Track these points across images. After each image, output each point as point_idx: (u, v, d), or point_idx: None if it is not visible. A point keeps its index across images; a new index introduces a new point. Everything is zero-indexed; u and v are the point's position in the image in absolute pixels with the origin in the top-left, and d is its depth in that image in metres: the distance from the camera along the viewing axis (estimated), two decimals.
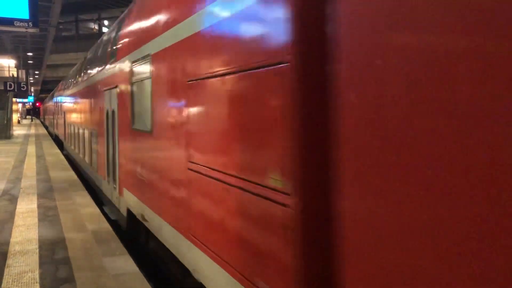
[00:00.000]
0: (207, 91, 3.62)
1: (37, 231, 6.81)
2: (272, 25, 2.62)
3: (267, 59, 2.64)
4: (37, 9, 10.24)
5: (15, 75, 33.01)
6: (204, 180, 3.68)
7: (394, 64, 1.79)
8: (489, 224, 1.39)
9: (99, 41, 11.81)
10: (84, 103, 13.09)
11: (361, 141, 1.98)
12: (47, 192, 10.12)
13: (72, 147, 16.82)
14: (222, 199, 3.37)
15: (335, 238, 2.23)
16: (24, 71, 39.85)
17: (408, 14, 1.72)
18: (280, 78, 2.49)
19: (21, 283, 4.79)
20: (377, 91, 1.88)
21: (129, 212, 6.86)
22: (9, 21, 9.87)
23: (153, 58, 5.26)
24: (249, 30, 2.95)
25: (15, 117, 44.40)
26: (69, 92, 18.17)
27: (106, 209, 9.15)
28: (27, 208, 8.40)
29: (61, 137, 23.02)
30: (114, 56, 8.10)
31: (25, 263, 5.39)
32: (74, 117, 16.17)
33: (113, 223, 7.94)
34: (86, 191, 10.20)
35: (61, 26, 48.38)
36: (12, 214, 7.91)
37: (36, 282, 4.81)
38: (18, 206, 8.58)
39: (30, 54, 34.96)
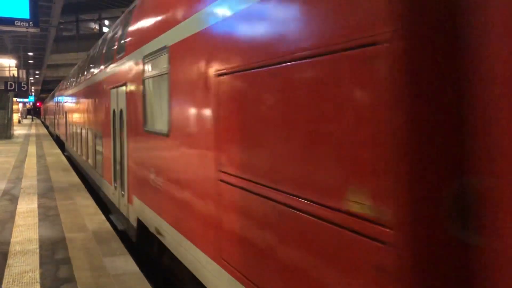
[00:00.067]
0: (248, 85, 2.98)
1: (37, 231, 6.81)
2: None
3: (351, 39, 1.99)
4: (37, 9, 10.24)
5: (16, 75, 33.05)
6: (242, 195, 3.06)
7: None
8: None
9: (104, 36, 11.12)
10: (87, 102, 12.43)
11: None
12: (47, 192, 10.12)
13: (74, 148, 16.20)
14: (269, 222, 2.73)
15: None
16: (24, 71, 39.88)
17: None
18: (374, 64, 1.86)
19: (22, 283, 4.79)
20: None
21: (139, 223, 6.20)
22: (9, 21, 9.87)
23: (172, 50, 4.64)
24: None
25: (16, 117, 44.43)
26: (71, 91, 17.52)
27: (112, 217, 8.35)
28: (27, 208, 8.40)
29: (63, 137, 22.66)
30: (122, 51, 7.43)
31: (25, 263, 5.39)
32: (76, 117, 15.51)
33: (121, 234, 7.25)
34: (87, 191, 10.20)
35: (61, 26, 48.41)
36: (12, 214, 7.91)
37: (37, 282, 4.81)
38: (18, 206, 8.58)
39: (30, 54, 35.00)
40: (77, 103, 15.40)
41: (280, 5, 2.63)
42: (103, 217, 7.73)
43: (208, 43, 3.68)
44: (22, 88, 29.88)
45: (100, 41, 11.54)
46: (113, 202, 8.34)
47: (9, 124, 29.48)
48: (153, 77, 5.45)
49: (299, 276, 2.42)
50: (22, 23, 9.96)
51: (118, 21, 9.00)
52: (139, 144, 6.21)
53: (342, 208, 2.03)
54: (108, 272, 5.08)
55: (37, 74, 53.42)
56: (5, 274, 5.03)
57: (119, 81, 7.48)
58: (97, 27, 57.05)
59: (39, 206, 8.57)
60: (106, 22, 53.79)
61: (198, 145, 3.95)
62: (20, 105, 57.66)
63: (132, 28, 6.91)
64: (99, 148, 10.09)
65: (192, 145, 4.11)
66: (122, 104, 7.22)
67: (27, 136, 30.34)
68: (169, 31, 4.73)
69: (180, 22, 4.41)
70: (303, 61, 2.37)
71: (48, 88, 60.22)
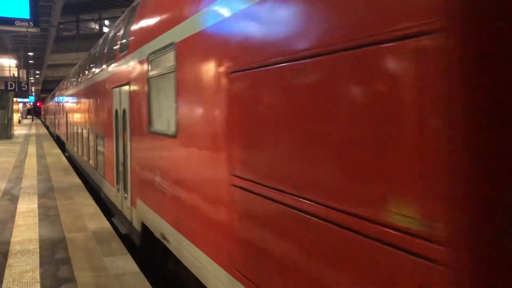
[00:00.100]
0: (267, 83, 2.74)
1: (37, 231, 6.81)
2: None
3: (397, 29, 1.72)
4: (38, 9, 10.24)
5: (16, 74, 33.08)
6: (257, 201, 2.82)
7: None
8: None
9: (106, 34, 10.80)
10: (89, 102, 12.15)
11: None
12: (47, 192, 10.12)
13: (75, 149, 15.93)
14: (289, 232, 2.48)
15: None
16: (25, 71, 39.93)
17: None
18: (426, 56, 1.59)
19: (22, 282, 4.79)
20: None
21: (143, 227, 5.96)
22: (10, 21, 9.87)
23: (179, 47, 4.39)
24: None
25: (16, 117, 44.43)
26: (72, 91, 17.22)
27: (115, 220, 8.05)
28: (27, 208, 8.40)
29: (63, 138, 22.31)
30: (125, 49, 7.15)
31: (25, 263, 5.39)
32: (77, 117, 15.19)
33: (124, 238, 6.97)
34: (87, 191, 10.19)
35: (62, 26, 48.44)
36: (12, 214, 7.91)
37: (37, 282, 4.81)
38: (18, 206, 8.58)
39: (31, 54, 35.04)
40: (78, 103, 15.12)
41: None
42: (103, 217, 7.73)
43: (220, 39, 3.42)
44: (22, 88, 29.93)
45: (102, 40, 11.29)
46: (116, 205, 8.07)
47: (9, 124, 29.47)
48: (158, 75, 5.20)
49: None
50: (22, 23, 9.95)
51: (121, 18, 8.71)
52: (143, 145, 5.94)
53: (382, 220, 1.78)
54: (108, 272, 5.07)
55: (37, 74, 53.46)
56: (5, 274, 5.03)
57: (122, 80, 7.24)
58: (97, 27, 57.08)
59: (39, 206, 8.57)
60: (106, 22, 53.84)
61: (208, 147, 3.70)
62: (20, 105, 57.68)
63: (135, 25, 6.62)
64: (100, 148, 9.83)
65: (202, 147, 3.86)
66: (125, 104, 6.98)
67: (27, 136, 30.34)
68: (176, 27, 4.49)
69: (188, 17, 4.17)
70: (337, 54, 2.06)
71: (48, 88, 60.25)
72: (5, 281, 4.83)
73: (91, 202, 8.99)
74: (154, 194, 5.33)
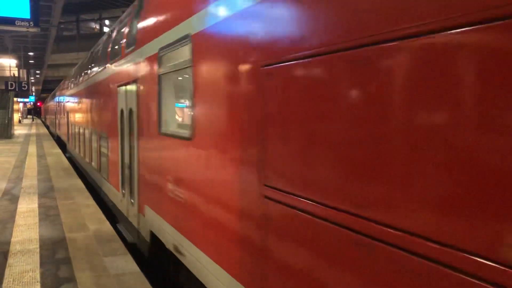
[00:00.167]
0: (314, 76, 2.31)
1: (38, 231, 6.81)
2: None
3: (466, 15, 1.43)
4: (38, 9, 10.24)
5: (16, 74, 33.08)
6: (300, 220, 2.39)
7: None
8: None
9: (110, 30, 10.22)
10: (91, 101, 11.72)
11: None
12: (48, 191, 10.12)
13: (77, 149, 15.44)
14: (345, 260, 2.04)
15: None
16: (25, 71, 39.93)
17: None
18: None
19: (22, 282, 4.79)
20: None
21: (153, 236, 5.55)
22: (10, 21, 9.87)
23: (196, 39, 3.94)
24: None
25: (16, 116, 44.45)
26: (73, 90, 16.73)
27: (120, 227, 7.63)
28: (28, 208, 8.40)
29: (64, 138, 22.02)
30: (132, 45, 6.69)
31: (26, 263, 5.39)
32: (79, 117, 14.72)
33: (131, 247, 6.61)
34: (87, 191, 10.19)
35: (62, 26, 48.49)
36: (13, 214, 7.91)
37: (37, 282, 4.80)
38: (19, 206, 8.58)
39: (31, 53, 35.03)
40: (80, 102, 14.63)
41: None
42: (103, 217, 7.72)
43: (250, 27, 2.96)
44: (23, 88, 29.89)
45: (105, 36, 10.80)
46: (121, 210, 7.66)
47: (9, 124, 29.49)
48: (171, 72, 4.81)
49: None
50: (22, 23, 9.95)
51: (126, 12, 8.14)
52: (153, 148, 5.49)
53: (487, 254, 1.37)
54: (108, 272, 5.07)
55: (37, 74, 53.46)
56: (5, 273, 5.03)
57: (128, 78, 6.82)
58: (97, 27, 57.10)
59: (40, 206, 8.57)
60: (107, 22, 53.85)
61: (232, 152, 3.26)
62: (21, 104, 57.72)
63: (143, 18, 6.13)
64: (104, 150, 9.42)
65: (224, 151, 3.42)
66: (132, 103, 6.57)
67: (27, 136, 30.35)
68: (192, 18, 4.04)
69: (207, 6, 3.74)
70: (408, 40, 1.66)
71: (48, 88, 60.29)
72: (5, 281, 4.83)
73: (92, 202, 8.99)
74: (166, 202, 4.89)
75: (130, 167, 6.80)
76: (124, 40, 7.46)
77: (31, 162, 15.58)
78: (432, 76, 1.58)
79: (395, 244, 1.72)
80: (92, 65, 11.81)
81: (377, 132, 1.85)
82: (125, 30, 7.51)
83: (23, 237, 6.47)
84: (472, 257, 1.43)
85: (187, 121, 4.26)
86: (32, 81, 52.64)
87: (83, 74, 13.94)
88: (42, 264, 5.35)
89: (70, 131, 18.28)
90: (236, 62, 3.21)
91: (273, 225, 2.69)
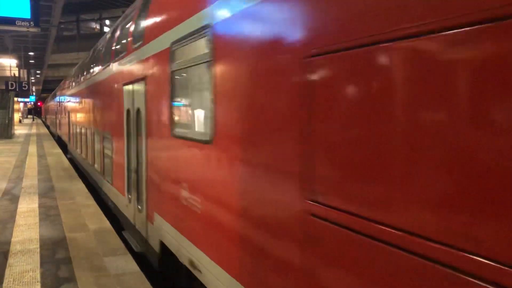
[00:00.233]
0: (377, 67, 1.91)
1: (38, 231, 6.82)
2: None
3: None
4: (38, 9, 10.25)
5: (17, 74, 33.11)
6: (359, 242, 2.01)
7: None
8: None
9: (114, 26, 9.60)
10: (94, 101, 11.26)
11: None
12: (48, 191, 10.12)
13: (79, 151, 14.91)
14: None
15: None
16: (25, 71, 39.96)
17: None
18: None
19: (22, 282, 4.80)
20: None
21: (163, 247, 5.16)
22: (10, 21, 9.88)
23: (218, 29, 3.51)
24: None
25: (17, 116, 44.48)
26: (75, 89, 16.16)
27: (126, 235, 7.16)
28: (28, 208, 8.41)
29: (65, 138, 21.64)
30: (139, 40, 6.22)
31: (26, 263, 5.39)
32: (81, 117, 14.20)
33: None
34: (88, 191, 10.19)
35: (62, 26, 48.51)
36: (13, 214, 7.92)
37: (37, 282, 4.81)
38: (19, 206, 8.59)
39: (31, 53, 35.04)
40: (82, 102, 14.06)
41: None
42: (103, 217, 7.73)
43: (290, 11, 2.54)
44: (23, 88, 29.92)
45: (108, 32, 10.31)
46: (126, 216, 7.23)
47: (10, 124, 29.51)
48: (185, 67, 4.38)
49: None
50: (23, 23, 9.96)
51: (132, 5, 7.68)
52: (164, 152, 5.06)
53: None
54: (108, 272, 5.08)
55: (38, 74, 53.48)
56: (6, 273, 5.04)
57: (135, 75, 6.37)
58: (98, 27, 57.12)
59: (40, 206, 8.58)
60: (107, 22, 53.88)
61: (263, 160, 2.82)
62: (21, 104, 57.76)
63: (153, 10, 5.71)
64: (107, 152, 8.96)
65: (253, 158, 2.97)
66: (140, 103, 6.13)
67: (28, 136, 30.36)
68: (213, 5, 3.62)
69: None
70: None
71: (49, 88, 60.32)
72: (5, 280, 4.83)
73: (92, 202, 9.00)
74: (180, 212, 4.49)
75: (137, 171, 6.39)
76: (130, 36, 7.02)
77: (32, 162, 15.59)
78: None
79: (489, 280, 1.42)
80: (95, 63, 11.38)
81: (464, 133, 1.50)
82: (131, 25, 7.06)
83: (23, 237, 6.47)
84: None
85: (205, 122, 3.83)
86: (33, 81, 52.67)
87: (85, 73, 13.50)
88: (42, 264, 5.36)
89: (71, 132, 18.00)
90: (270, 53, 2.76)
91: (321, 249, 2.25)
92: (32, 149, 20.79)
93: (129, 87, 6.78)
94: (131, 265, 5.32)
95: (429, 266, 1.64)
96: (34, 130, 38.06)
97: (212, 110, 3.60)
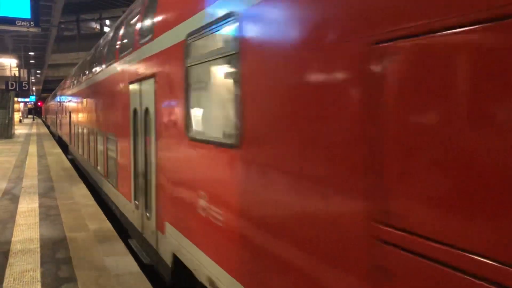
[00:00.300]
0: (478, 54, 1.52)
1: (38, 230, 6.82)
2: None
3: None
4: (38, 9, 10.25)
5: (17, 74, 33.13)
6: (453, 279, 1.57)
7: None
8: None
9: (119, 21, 9.06)
10: (97, 100, 10.83)
11: None
12: (48, 191, 10.13)
13: (80, 152, 14.45)
14: None
15: None
16: (25, 71, 39.98)
17: None
18: None
19: (23, 282, 4.80)
20: None
21: (176, 260, 4.71)
22: (11, 21, 9.88)
23: (247, 16, 3.06)
24: None
25: (17, 116, 44.49)
26: (77, 88, 15.67)
27: (133, 243, 6.72)
28: (28, 208, 8.41)
29: (66, 139, 21.31)
30: (148, 34, 5.79)
31: (26, 262, 5.40)
32: (83, 117, 13.75)
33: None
34: (88, 191, 10.20)
35: (62, 26, 48.53)
36: (13, 214, 7.92)
37: (38, 281, 4.81)
38: (19, 206, 8.59)
39: (31, 53, 35.07)
40: (84, 101, 13.55)
41: None
42: (104, 217, 7.73)
43: None
44: (23, 88, 29.96)
45: (113, 29, 9.82)
46: (133, 223, 6.79)
47: (10, 124, 29.52)
48: (204, 62, 3.92)
49: None
50: (23, 23, 9.96)
51: None
52: (177, 156, 4.62)
53: None
54: (109, 272, 5.08)
55: (38, 74, 53.52)
56: (6, 273, 5.04)
57: (143, 73, 5.97)
58: (98, 26, 57.15)
59: (40, 206, 8.58)
60: (107, 22, 53.91)
61: (310, 167, 2.35)
62: (21, 104, 57.77)
63: (163, 0, 5.34)
64: (112, 154, 8.49)
65: (296, 166, 2.49)
66: (148, 102, 5.71)
67: (28, 136, 30.37)
68: None
69: None
70: None
71: (49, 88, 60.34)
72: (6, 280, 4.84)
73: (92, 202, 9.00)
74: (197, 223, 4.04)
75: (146, 175, 5.94)
76: (137, 31, 6.58)
77: (32, 162, 15.59)
78: None
79: None
80: (98, 61, 10.96)
81: None
82: (138, 19, 6.62)
83: (23, 237, 6.48)
84: None
85: (230, 123, 3.35)
86: (33, 80, 52.69)
87: (87, 71, 13.04)
88: (42, 263, 5.36)
89: (72, 132, 17.55)
90: (320, 41, 2.30)
91: (394, 284, 1.82)
92: (32, 149, 20.79)
93: (136, 85, 6.41)
94: (131, 265, 5.32)
95: None
96: (34, 130, 38.07)
97: (239, 109, 3.12)
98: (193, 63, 4.14)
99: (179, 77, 4.43)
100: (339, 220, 2.13)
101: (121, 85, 7.48)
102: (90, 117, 11.99)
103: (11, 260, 5.49)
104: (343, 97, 2.12)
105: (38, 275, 5.00)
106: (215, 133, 3.87)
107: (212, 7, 3.66)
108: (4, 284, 4.72)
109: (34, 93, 61.80)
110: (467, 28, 1.51)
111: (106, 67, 9.32)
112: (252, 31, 3.03)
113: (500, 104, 1.44)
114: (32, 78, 51.20)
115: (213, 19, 3.59)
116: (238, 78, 3.17)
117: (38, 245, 6.08)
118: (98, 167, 10.49)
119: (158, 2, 5.52)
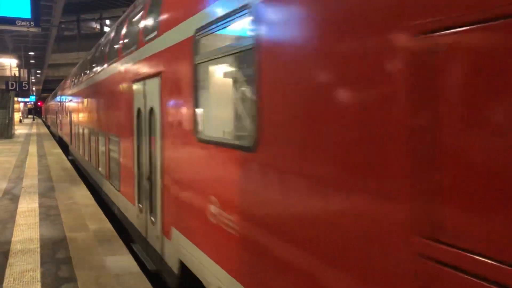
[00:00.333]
0: None
1: (38, 230, 6.82)
2: None
3: None
4: (39, 9, 10.25)
5: (17, 74, 33.14)
6: None
7: None
8: None
9: (121, 19, 8.88)
10: (98, 100, 10.62)
11: None
12: (48, 191, 10.13)
13: (81, 152, 14.21)
14: None
15: None
16: (26, 70, 40.01)
17: None
18: None
19: (23, 282, 4.80)
20: None
21: (183, 267, 4.49)
22: (11, 20, 9.88)
23: (262, 8, 2.83)
24: None
25: (17, 116, 44.50)
26: (78, 88, 15.37)
27: (136, 248, 6.52)
28: (28, 207, 8.41)
29: (66, 139, 21.16)
30: (153, 30, 5.59)
31: (26, 262, 5.40)
32: (84, 117, 13.50)
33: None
34: (88, 191, 10.20)
35: (63, 26, 48.55)
36: (13, 214, 7.92)
37: (38, 281, 4.81)
38: (19, 205, 8.59)
39: (31, 53, 35.08)
40: (85, 101, 13.27)
41: None
42: (104, 217, 7.73)
43: None
44: (23, 88, 29.98)
45: (115, 26, 9.56)
46: (136, 227, 6.58)
47: (10, 124, 29.53)
48: (215, 58, 3.68)
49: None
50: (23, 23, 9.96)
51: None
52: (185, 159, 4.40)
53: None
54: (109, 272, 5.08)
55: (38, 74, 53.53)
56: (6, 273, 5.04)
57: (148, 71, 5.77)
58: (98, 26, 57.17)
59: (40, 206, 8.58)
60: (107, 22, 53.93)
61: (342, 175, 2.10)
62: (21, 104, 57.79)
63: None
64: (114, 155, 8.28)
65: (323, 173, 2.24)
66: (154, 101, 5.50)
67: (28, 136, 30.37)
68: None
69: None
70: None
71: (49, 88, 60.37)
72: (6, 280, 4.84)
73: (92, 202, 9.00)
74: (207, 230, 3.81)
75: (150, 178, 5.75)
76: (141, 28, 6.39)
77: (32, 162, 15.60)
78: None
79: None
80: (99, 60, 10.69)
81: None
82: (142, 15, 6.42)
83: (23, 237, 6.48)
84: None
85: (246, 124, 3.13)
86: (33, 80, 52.70)
87: (88, 71, 12.80)
88: (42, 263, 5.36)
89: (73, 132, 17.31)
90: (354, 32, 2.04)
91: None
92: (32, 149, 20.79)
93: (140, 84, 6.17)
94: (131, 265, 5.32)
95: None
96: (34, 130, 38.07)
97: (256, 108, 2.85)
98: (202, 60, 3.92)
99: (187, 75, 4.23)
100: (376, 231, 1.88)
101: (124, 84, 7.28)
102: (91, 117, 11.78)
103: (11, 260, 5.49)
104: (387, 95, 1.84)
105: (38, 275, 5.00)
106: (227, 135, 3.69)
107: (220, 1, 3.43)
108: (4, 284, 4.72)
109: (34, 93, 61.82)
110: None
111: (108, 66, 9.12)
112: (272, 22, 2.74)
113: None
114: (32, 78, 51.22)
115: (226, 12, 3.34)
116: (254, 75, 2.89)
117: (38, 245, 6.08)
118: (100, 168, 10.32)
119: None
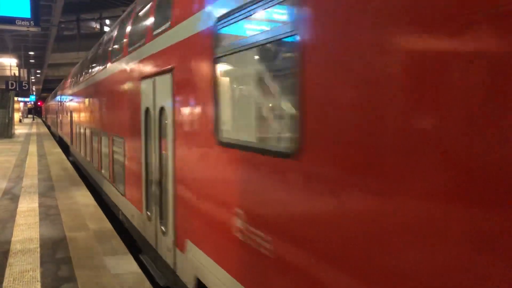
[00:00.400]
0: None
1: (38, 230, 6.81)
2: None
3: None
4: (38, 8, 10.25)
5: (17, 74, 33.14)
6: None
7: None
8: None
9: (125, 13, 8.48)
10: (101, 99, 10.15)
11: None
12: (48, 191, 10.12)
13: (83, 153, 13.76)
14: None
15: None
16: (25, 70, 40.00)
17: None
18: None
19: (23, 281, 4.79)
20: None
21: (200, 285, 4.08)
22: (11, 20, 9.88)
23: None
24: None
25: (17, 116, 44.48)
26: (78, 87, 14.89)
27: (144, 258, 6.10)
28: (28, 207, 8.40)
29: (67, 139, 20.90)
30: (164, 23, 5.17)
31: (26, 262, 5.39)
32: (85, 117, 13.03)
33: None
34: (87, 191, 10.19)
35: (62, 25, 48.55)
36: (13, 213, 7.91)
37: (37, 281, 4.81)
38: (19, 205, 8.59)
39: (31, 53, 35.05)
40: (87, 100, 12.79)
41: None
42: (104, 217, 7.73)
43: None
44: (23, 87, 30.00)
45: (118, 22, 9.07)
46: (144, 236, 6.14)
47: (10, 123, 29.52)
48: (241, 50, 3.19)
49: None
50: (23, 22, 9.96)
51: None
52: (203, 164, 3.96)
53: None
54: (109, 272, 5.08)
55: (38, 73, 53.51)
56: (6, 273, 5.04)
57: (158, 67, 5.36)
58: (98, 26, 57.17)
59: (40, 205, 8.57)
60: (107, 22, 53.93)
61: (428, 190, 1.69)
62: (21, 104, 57.78)
63: None
64: (118, 157, 7.86)
65: (399, 185, 1.81)
66: (164, 100, 5.10)
67: (28, 135, 30.36)
68: None
69: None
70: None
71: (49, 87, 60.36)
72: (5, 280, 4.83)
73: (92, 201, 9.00)
74: (232, 248, 3.34)
75: (161, 183, 5.34)
76: (150, 21, 5.94)
77: (32, 162, 15.59)
78: None
79: None
80: (103, 58, 10.23)
81: None
82: (151, 7, 6.02)
83: (23, 237, 6.47)
84: None
85: (283, 125, 2.79)
86: (33, 80, 52.70)
87: (90, 69, 12.29)
88: (42, 263, 5.36)
89: (74, 132, 16.94)
90: (422, 23, 1.71)
91: None
92: (32, 148, 20.78)
93: (149, 81, 5.71)
94: (131, 265, 5.32)
95: None
96: (34, 130, 38.07)
97: (298, 106, 2.43)
98: (224, 53, 3.45)
99: (205, 70, 3.78)
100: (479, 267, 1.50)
101: (131, 82, 6.82)
102: (94, 117, 11.27)
103: (11, 260, 5.48)
104: (466, 96, 1.55)
105: (37, 275, 5.00)
106: (257, 138, 3.29)
107: None
108: (4, 284, 4.72)
109: (34, 93, 61.84)
110: None
111: (113, 63, 8.62)
112: (318, 5, 2.32)
113: None
114: (32, 77, 51.22)
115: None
116: (298, 68, 2.44)
117: (38, 245, 6.08)
118: (102, 171, 9.92)
119: None
